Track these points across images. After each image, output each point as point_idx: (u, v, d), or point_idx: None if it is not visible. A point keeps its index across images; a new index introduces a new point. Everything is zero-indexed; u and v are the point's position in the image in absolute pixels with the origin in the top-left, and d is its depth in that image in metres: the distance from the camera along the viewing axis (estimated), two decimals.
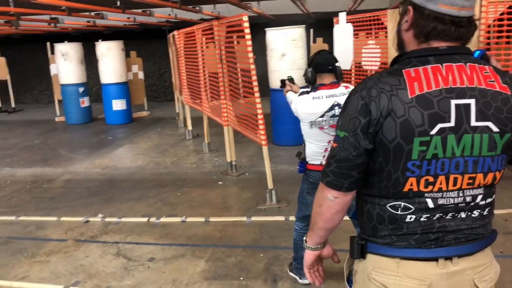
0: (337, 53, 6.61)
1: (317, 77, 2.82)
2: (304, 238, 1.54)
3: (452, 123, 1.22)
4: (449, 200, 1.29)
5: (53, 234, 4.26)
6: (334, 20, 6.56)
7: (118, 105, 10.17)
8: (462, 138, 1.23)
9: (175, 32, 7.89)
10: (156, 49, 14.93)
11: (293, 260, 3.23)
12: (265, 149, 4.72)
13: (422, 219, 1.30)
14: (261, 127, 4.56)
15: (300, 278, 3.16)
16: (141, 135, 8.90)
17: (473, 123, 1.23)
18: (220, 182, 5.55)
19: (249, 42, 4.36)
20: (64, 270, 3.54)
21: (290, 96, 3.10)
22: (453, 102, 1.22)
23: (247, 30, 4.33)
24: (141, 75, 11.24)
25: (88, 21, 9.99)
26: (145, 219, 4.46)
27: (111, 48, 9.99)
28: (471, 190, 1.29)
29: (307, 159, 2.89)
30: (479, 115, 1.23)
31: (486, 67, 1.28)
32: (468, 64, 1.26)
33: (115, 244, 3.96)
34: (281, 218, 4.28)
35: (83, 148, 8.03)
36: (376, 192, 1.34)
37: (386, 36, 5.53)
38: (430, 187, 1.27)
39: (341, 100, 2.72)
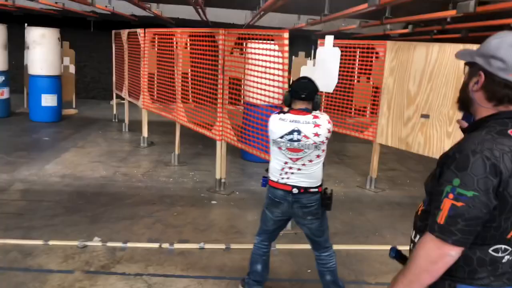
0: (319, 76, 6.67)
1: (292, 102, 2.92)
2: None
3: None
4: None
5: (49, 263, 3.53)
6: (319, 42, 6.60)
7: (48, 100, 8.97)
8: None
9: (139, 31, 7.22)
10: (75, 40, 13.56)
11: (246, 275, 3.26)
12: None
13: (511, 258, 1.46)
14: None
15: None
16: (84, 138, 7.94)
17: None
18: (213, 202, 5.16)
19: (286, 61, 4.15)
20: None
21: None
22: None
23: (286, 48, 4.12)
24: (72, 68, 10.10)
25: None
26: (156, 245, 3.94)
27: (46, 35, 8.80)
28: None
29: (269, 175, 3.03)
30: None
31: None
32: None
33: (139, 277, 3.41)
34: (307, 246, 4.08)
35: (18, 149, 6.87)
36: (478, 240, 1.40)
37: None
38: None
39: (302, 128, 2.81)
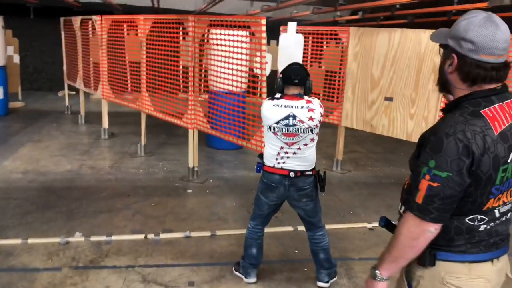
0: (281, 62, 6.76)
1: (284, 88, 2.97)
2: (377, 271, 1.61)
3: None
4: (505, 208, 1.57)
5: (33, 262, 3.40)
6: (281, 28, 6.68)
7: None
8: None
9: (96, 18, 6.93)
10: (13, 28, 12.73)
11: (241, 259, 3.33)
12: None
13: (488, 227, 1.55)
14: None
15: (246, 277, 3.29)
16: (38, 132, 7.55)
17: None
18: (189, 191, 5.14)
19: (264, 47, 4.20)
20: None
21: None
22: None
23: (264, 34, 4.17)
24: (16, 58, 9.51)
25: None
26: (141, 236, 3.89)
27: None
28: None
29: (264, 160, 3.09)
30: None
31: None
32: None
33: (131, 269, 3.37)
34: (289, 228, 4.22)
35: None
36: (455, 211, 1.51)
37: (343, 51, 5.90)
38: (498, 202, 1.54)
39: (297, 112, 2.89)
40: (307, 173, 3.01)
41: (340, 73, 6.46)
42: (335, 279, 3.30)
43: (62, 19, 8.91)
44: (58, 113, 9.28)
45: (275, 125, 2.92)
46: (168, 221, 4.28)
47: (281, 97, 2.96)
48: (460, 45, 1.47)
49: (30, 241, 3.69)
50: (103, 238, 3.82)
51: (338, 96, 6.28)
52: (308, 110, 2.90)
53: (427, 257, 1.56)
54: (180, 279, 3.28)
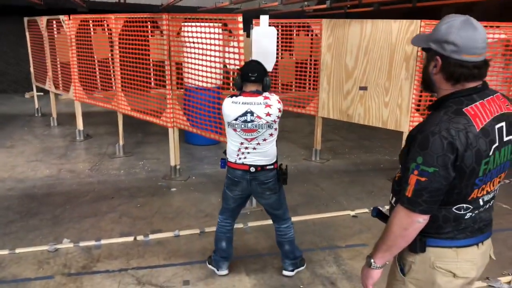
0: (255, 55, 6.80)
1: (243, 85, 3.04)
2: (372, 260, 1.74)
3: (497, 143, 1.60)
4: (488, 196, 1.70)
5: (24, 272, 3.36)
6: (254, 21, 6.71)
7: None
8: (501, 151, 1.62)
9: (63, 17, 6.76)
10: None
11: (212, 253, 3.45)
12: None
13: (473, 214, 1.69)
14: None
15: (218, 270, 3.39)
16: (10, 137, 7.35)
17: (505, 138, 1.63)
18: (173, 189, 5.15)
19: (242, 44, 4.23)
20: None
21: None
22: (496, 127, 1.60)
23: (241, 32, 4.20)
24: None
25: None
26: (130, 239, 3.90)
27: None
28: (497, 187, 1.73)
29: (227, 156, 3.20)
30: (508, 132, 1.63)
31: (499, 94, 1.68)
32: (494, 95, 1.66)
33: (124, 272, 3.39)
34: None
35: None
36: (442, 202, 1.63)
37: (312, 40, 5.99)
38: (483, 192, 1.67)
39: (255, 109, 2.95)
40: (268, 167, 3.10)
41: (311, 62, 6.58)
42: (301, 268, 3.43)
43: (26, 19, 8.64)
44: (28, 116, 9.04)
45: (234, 121, 3.00)
46: (155, 221, 4.30)
47: (239, 94, 3.03)
48: (443, 48, 1.58)
49: (17, 250, 3.64)
50: (92, 243, 3.81)
51: (310, 85, 6.40)
52: (265, 106, 2.95)
53: (418, 244, 1.69)
54: (174, 278, 3.32)
